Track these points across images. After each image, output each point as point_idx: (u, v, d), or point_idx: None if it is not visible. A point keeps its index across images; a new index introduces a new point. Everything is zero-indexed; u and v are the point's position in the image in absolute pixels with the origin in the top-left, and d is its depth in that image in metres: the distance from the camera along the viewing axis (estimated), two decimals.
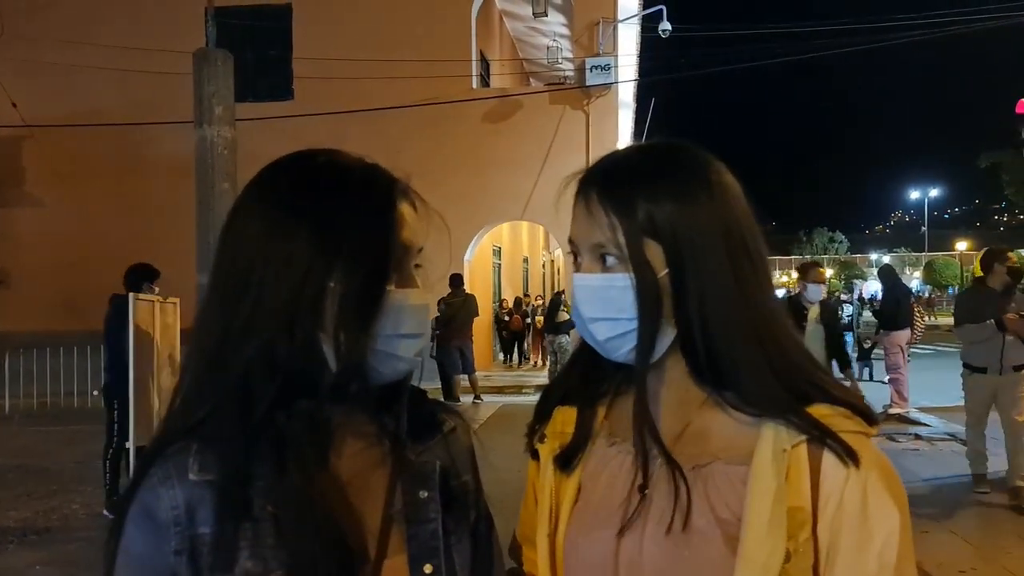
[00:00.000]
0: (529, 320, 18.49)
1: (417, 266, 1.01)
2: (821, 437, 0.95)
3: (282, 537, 0.89)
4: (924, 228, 71.26)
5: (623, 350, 1.02)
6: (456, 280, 12.56)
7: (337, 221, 0.94)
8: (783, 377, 1.00)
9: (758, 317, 1.02)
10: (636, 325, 1.00)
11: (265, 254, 0.92)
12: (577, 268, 1.07)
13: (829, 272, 71.48)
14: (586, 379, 1.14)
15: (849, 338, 13.42)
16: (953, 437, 8.93)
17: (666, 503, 0.99)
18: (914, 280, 50.10)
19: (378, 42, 14.87)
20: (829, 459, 0.94)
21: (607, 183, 1.03)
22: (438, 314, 11.80)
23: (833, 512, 0.94)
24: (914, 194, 74.98)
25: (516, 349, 18.85)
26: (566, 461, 1.09)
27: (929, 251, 63.11)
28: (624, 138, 20.02)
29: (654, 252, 0.99)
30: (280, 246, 0.92)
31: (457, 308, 12.29)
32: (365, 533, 0.95)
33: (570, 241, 1.07)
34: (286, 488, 0.89)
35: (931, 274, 48.99)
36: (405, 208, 0.99)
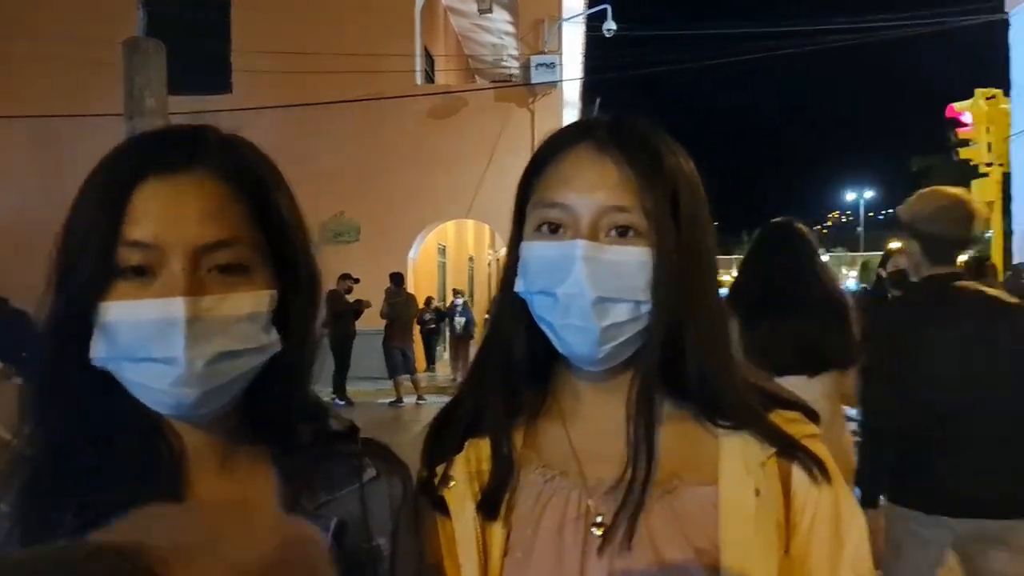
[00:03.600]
0: (436, 324, 15.58)
1: (220, 269, 0.79)
2: (790, 448, 0.89)
3: None
4: (860, 229, 73.26)
5: (613, 343, 0.87)
6: (397, 279, 12.40)
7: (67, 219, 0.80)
8: (748, 384, 0.93)
9: (724, 317, 0.96)
10: (648, 310, 0.87)
11: None
12: (555, 236, 0.88)
13: None
14: (494, 396, 0.95)
15: None
16: None
17: (633, 539, 0.87)
18: (850, 279, 51.45)
19: (320, 35, 14.57)
20: (798, 470, 0.89)
21: (629, 140, 0.88)
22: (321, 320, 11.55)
23: (808, 524, 0.89)
24: (850, 195, 77.05)
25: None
26: (492, 506, 0.91)
27: (864, 251, 64.85)
28: None
29: (672, 229, 0.87)
30: None
31: (399, 308, 12.12)
32: None
33: (553, 204, 0.88)
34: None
35: (866, 274, 50.45)
36: (152, 195, 0.77)
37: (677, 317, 0.88)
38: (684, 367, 0.89)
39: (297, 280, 0.85)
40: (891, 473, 2.61)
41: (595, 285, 0.84)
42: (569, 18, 15.79)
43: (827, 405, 2.71)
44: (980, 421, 2.50)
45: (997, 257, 14.29)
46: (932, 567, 2.53)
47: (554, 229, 0.88)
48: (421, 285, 15.47)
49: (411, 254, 15.22)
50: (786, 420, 0.92)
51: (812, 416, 0.95)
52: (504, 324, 0.97)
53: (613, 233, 0.86)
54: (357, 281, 12.27)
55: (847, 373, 2.82)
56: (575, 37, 16.77)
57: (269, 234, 0.83)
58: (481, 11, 16.06)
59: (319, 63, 14.02)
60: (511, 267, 0.94)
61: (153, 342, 0.75)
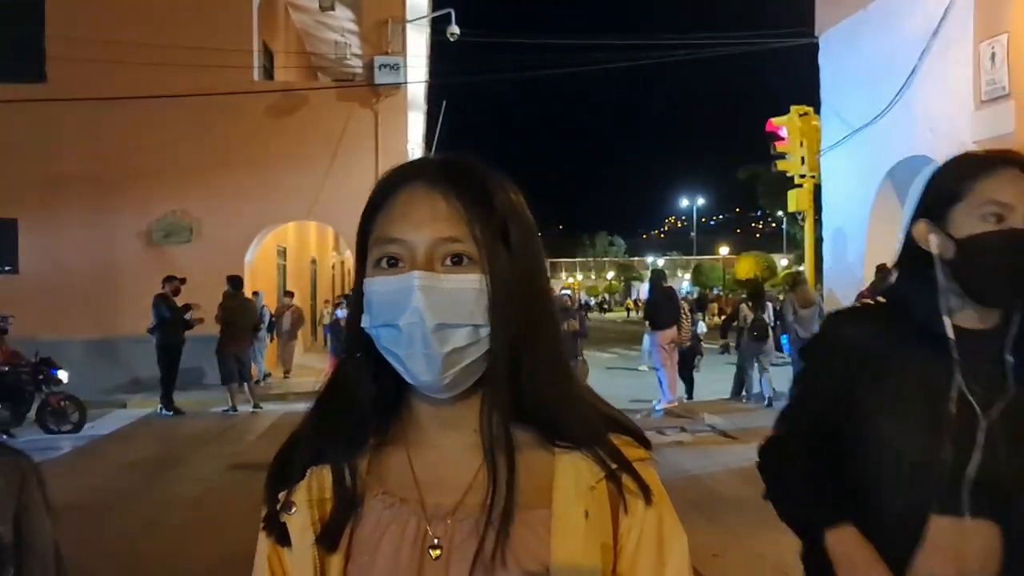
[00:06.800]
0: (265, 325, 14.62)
1: None
2: (620, 471, 0.94)
3: None
4: (693, 234, 77.41)
5: (456, 368, 0.89)
6: (235, 282, 11.91)
7: None
8: (589, 405, 0.98)
9: (560, 339, 1.00)
10: (487, 333, 0.90)
11: None
12: (394, 269, 0.92)
13: (610, 274, 75.93)
14: (339, 428, 0.96)
15: None
16: (712, 429, 9.69)
17: (468, 563, 0.89)
18: (684, 282, 54.33)
19: (149, 24, 13.77)
20: (627, 493, 0.94)
21: (457, 176, 0.93)
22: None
23: (634, 546, 0.93)
24: (684, 202, 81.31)
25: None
26: (332, 536, 0.92)
27: (697, 255, 68.65)
28: (415, 139, 19.96)
29: (504, 256, 0.91)
30: None
31: (235, 312, 11.63)
32: None
33: (391, 240, 0.91)
34: None
35: (698, 276, 53.44)
36: None
37: (515, 340, 0.91)
38: (522, 390, 0.93)
39: None
40: None
41: (434, 312, 0.88)
42: (413, 20, 15.74)
43: None
44: None
45: (809, 262, 15.50)
46: None
47: (393, 263, 0.92)
48: (259, 288, 14.92)
49: (248, 256, 14.64)
50: (620, 443, 0.96)
51: (643, 441, 1.00)
52: (352, 360, 0.99)
53: (448, 262, 0.90)
54: (184, 281, 11.66)
55: None
56: (420, 39, 16.73)
57: None
58: (323, 8, 15.72)
59: (147, 54, 13.22)
60: (356, 304, 0.96)
61: None
